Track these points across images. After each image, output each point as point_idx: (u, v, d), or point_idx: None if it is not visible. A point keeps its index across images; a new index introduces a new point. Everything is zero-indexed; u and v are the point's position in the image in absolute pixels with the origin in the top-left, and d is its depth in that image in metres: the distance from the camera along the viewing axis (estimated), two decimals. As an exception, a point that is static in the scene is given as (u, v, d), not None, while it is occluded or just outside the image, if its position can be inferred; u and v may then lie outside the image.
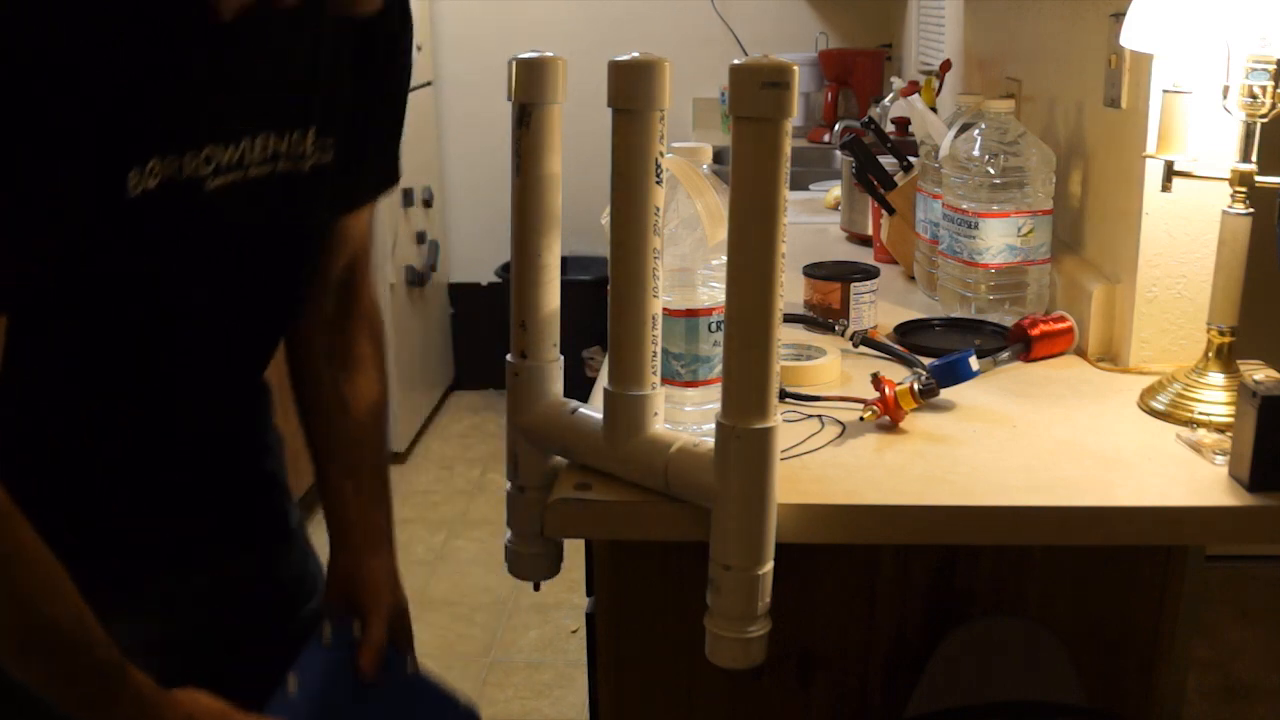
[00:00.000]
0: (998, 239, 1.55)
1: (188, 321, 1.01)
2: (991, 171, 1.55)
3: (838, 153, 2.85)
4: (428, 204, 3.94)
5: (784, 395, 1.27)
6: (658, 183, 1.00)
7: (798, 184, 2.60)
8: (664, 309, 1.08)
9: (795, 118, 0.91)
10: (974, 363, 1.25)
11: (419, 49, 3.77)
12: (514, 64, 1.08)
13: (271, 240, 1.03)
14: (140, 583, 1.09)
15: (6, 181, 0.81)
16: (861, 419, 1.20)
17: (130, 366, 1.00)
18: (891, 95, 2.43)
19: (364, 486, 1.19)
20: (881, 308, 1.60)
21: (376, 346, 1.23)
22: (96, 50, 0.82)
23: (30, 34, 0.79)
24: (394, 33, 1.12)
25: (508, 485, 1.18)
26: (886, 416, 1.20)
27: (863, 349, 1.45)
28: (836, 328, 1.49)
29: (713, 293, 1.12)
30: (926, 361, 1.33)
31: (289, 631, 1.16)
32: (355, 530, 1.18)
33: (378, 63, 1.09)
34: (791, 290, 1.39)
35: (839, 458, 1.14)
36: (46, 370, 0.96)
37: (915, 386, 1.22)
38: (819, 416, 1.23)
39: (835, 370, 1.37)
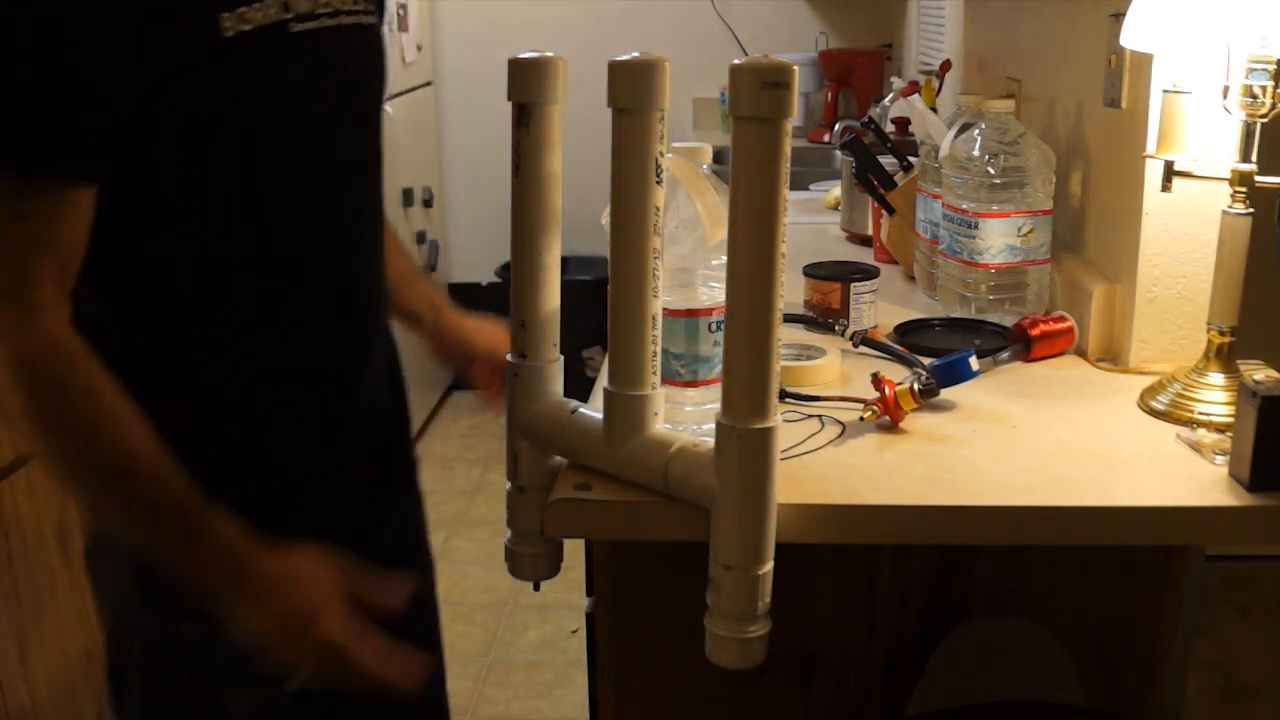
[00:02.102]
0: (998, 239, 1.55)
1: (290, 171, 1.05)
2: (991, 171, 1.55)
3: (838, 153, 2.85)
4: (427, 204, 3.94)
5: (784, 395, 1.27)
6: (658, 183, 1.00)
7: (798, 184, 2.60)
8: (664, 309, 1.08)
9: (795, 118, 0.91)
10: (974, 363, 1.25)
11: (419, 49, 3.78)
12: (514, 64, 1.08)
13: (358, 88, 1.12)
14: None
15: (109, 33, 0.90)
16: (861, 419, 1.20)
17: (248, 239, 1.04)
18: (891, 95, 2.42)
19: (419, 281, 1.38)
20: (881, 308, 1.60)
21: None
22: None
23: None
24: None
25: (508, 485, 1.18)
26: (886, 416, 1.20)
27: (863, 349, 1.45)
28: (836, 328, 1.49)
29: (713, 293, 1.12)
30: (926, 361, 1.33)
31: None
32: (438, 302, 1.38)
33: None
34: (791, 290, 1.39)
35: (839, 458, 1.14)
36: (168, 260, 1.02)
37: (915, 386, 1.22)
38: (819, 416, 1.23)
39: (835, 370, 1.37)
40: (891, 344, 1.45)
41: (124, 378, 0.98)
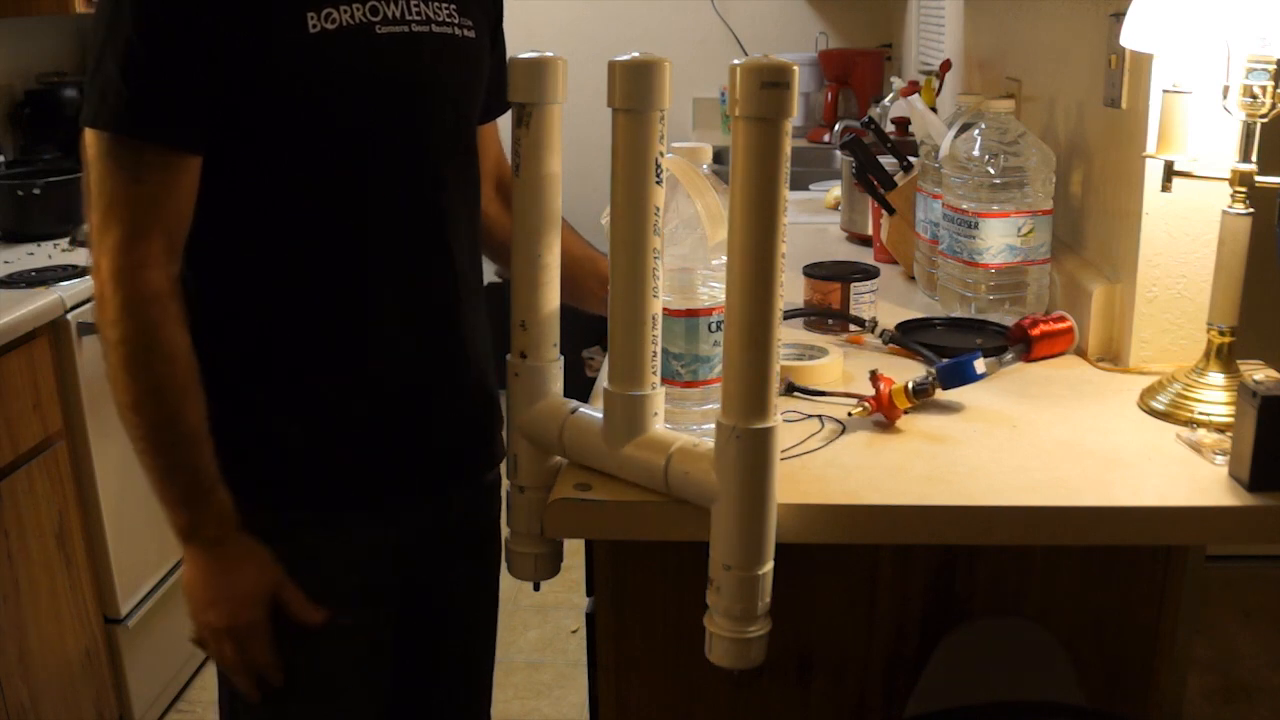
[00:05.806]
0: (998, 239, 1.55)
1: (372, 159, 1.15)
2: (991, 171, 1.55)
3: (838, 153, 2.85)
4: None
5: (792, 389, 1.27)
6: (658, 183, 1.00)
7: (798, 184, 2.60)
8: (664, 309, 1.08)
9: (795, 118, 0.91)
10: (979, 365, 1.25)
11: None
12: (514, 64, 1.08)
13: (437, 88, 1.20)
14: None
15: (210, 25, 1.05)
16: (850, 414, 1.20)
17: (328, 218, 1.15)
18: (891, 95, 2.43)
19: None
20: (881, 308, 1.60)
21: None
22: None
23: None
24: None
25: (508, 485, 1.18)
26: (880, 414, 1.20)
27: (892, 346, 1.45)
28: (866, 324, 1.49)
29: (713, 293, 1.12)
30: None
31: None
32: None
33: None
34: (791, 290, 1.39)
35: (839, 458, 1.14)
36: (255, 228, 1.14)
37: (910, 385, 1.22)
38: (819, 416, 1.23)
39: (837, 370, 1.37)
40: (919, 345, 1.45)
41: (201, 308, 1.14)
